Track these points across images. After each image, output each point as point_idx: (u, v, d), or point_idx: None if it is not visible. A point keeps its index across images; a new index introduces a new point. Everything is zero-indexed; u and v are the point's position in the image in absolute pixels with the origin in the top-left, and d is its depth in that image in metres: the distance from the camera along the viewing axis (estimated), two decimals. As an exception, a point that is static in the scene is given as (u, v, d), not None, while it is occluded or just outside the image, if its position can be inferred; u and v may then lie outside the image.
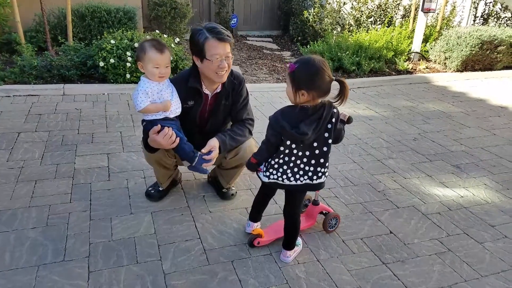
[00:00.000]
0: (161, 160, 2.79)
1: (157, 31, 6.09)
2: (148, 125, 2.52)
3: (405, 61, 7.70)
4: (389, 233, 2.86)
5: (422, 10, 7.70)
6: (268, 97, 5.79)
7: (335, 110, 2.19)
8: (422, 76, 7.29)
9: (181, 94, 2.61)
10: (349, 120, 2.39)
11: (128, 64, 5.29)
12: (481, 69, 7.80)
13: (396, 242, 2.75)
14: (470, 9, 9.34)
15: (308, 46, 7.96)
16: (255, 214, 2.69)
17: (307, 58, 2.10)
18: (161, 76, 2.46)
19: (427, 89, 6.72)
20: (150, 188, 3.06)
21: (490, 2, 9.02)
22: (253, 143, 2.89)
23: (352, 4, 8.63)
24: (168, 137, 2.45)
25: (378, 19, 8.81)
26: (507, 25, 9.05)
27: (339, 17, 8.63)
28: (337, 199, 3.24)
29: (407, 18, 8.97)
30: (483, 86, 7.13)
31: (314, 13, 8.42)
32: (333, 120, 2.17)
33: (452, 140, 4.59)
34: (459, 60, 7.46)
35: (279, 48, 9.08)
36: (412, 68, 7.64)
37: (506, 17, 9.13)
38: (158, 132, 2.45)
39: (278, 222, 2.72)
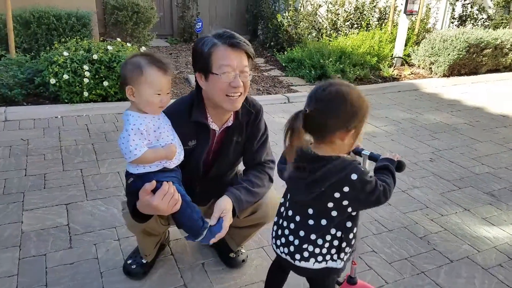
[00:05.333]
0: (151, 229, 1.94)
1: (118, 39, 5.18)
2: (136, 182, 1.64)
3: (389, 67, 7.17)
4: (454, 302, 2.17)
5: (404, 12, 7.20)
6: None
7: (353, 177, 1.39)
8: (409, 83, 6.78)
9: (180, 132, 1.79)
10: (400, 166, 1.62)
11: (86, 80, 4.37)
12: (466, 73, 7.41)
13: (471, 320, 2.07)
14: (445, 11, 8.98)
15: (285, 53, 7.28)
16: None
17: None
18: (161, 107, 1.66)
19: (419, 97, 6.20)
20: (129, 261, 2.18)
21: (468, 3, 8.67)
22: (275, 195, 2.09)
23: (328, 7, 8.01)
24: (170, 197, 1.59)
25: (355, 23, 8.25)
26: (485, 27, 8.75)
27: (315, 21, 7.99)
28: (376, 254, 2.52)
29: (382, 20, 8.48)
30: (473, 91, 6.71)
31: (289, 17, 7.73)
32: (345, 189, 1.41)
33: (471, 160, 4.02)
34: (446, 65, 7.01)
35: (250, 54, 8.34)
36: (397, 75, 7.12)
37: (482, 18, 8.82)
38: (153, 191, 1.61)
39: None
